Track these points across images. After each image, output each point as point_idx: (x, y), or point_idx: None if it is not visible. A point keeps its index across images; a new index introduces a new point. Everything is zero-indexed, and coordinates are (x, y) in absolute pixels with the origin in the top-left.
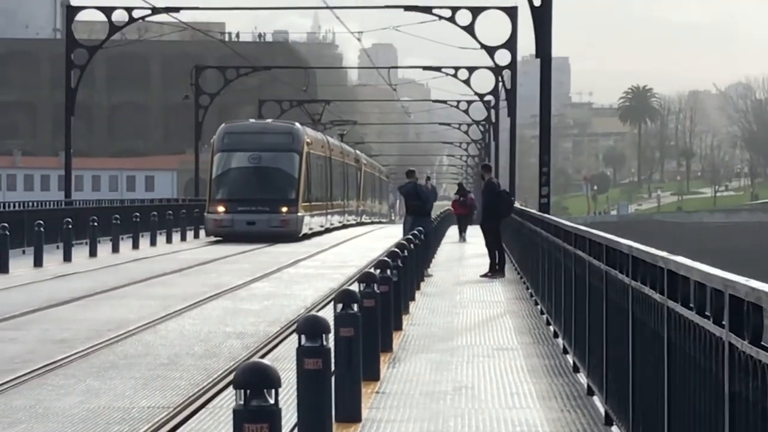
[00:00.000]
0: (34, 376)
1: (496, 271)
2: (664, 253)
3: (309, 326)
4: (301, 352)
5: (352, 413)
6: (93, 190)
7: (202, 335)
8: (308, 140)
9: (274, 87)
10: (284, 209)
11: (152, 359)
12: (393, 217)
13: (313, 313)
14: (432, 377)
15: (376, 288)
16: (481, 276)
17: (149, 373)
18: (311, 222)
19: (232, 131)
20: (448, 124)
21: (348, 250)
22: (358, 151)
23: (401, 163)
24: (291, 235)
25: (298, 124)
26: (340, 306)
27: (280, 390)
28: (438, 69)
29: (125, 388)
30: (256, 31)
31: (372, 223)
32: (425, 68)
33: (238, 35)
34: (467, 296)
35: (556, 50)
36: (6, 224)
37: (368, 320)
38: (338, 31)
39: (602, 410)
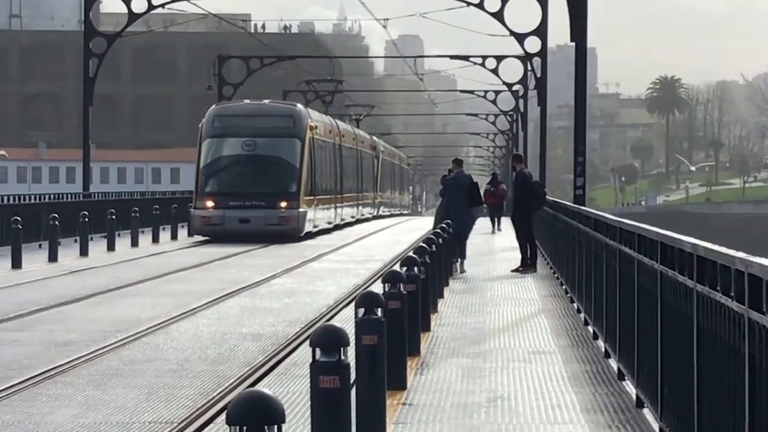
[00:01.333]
0: (29, 385)
1: (527, 265)
2: (741, 254)
3: (324, 338)
4: (316, 369)
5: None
6: (119, 182)
7: (216, 337)
8: (312, 124)
9: (299, 77)
10: (283, 204)
11: (160, 365)
12: (420, 209)
13: (331, 322)
14: (464, 386)
15: (402, 288)
16: (512, 271)
17: (155, 381)
18: (316, 218)
19: (222, 113)
20: (475, 115)
21: (374, 243)
22: (375, 138)
23: (428, 155)
24: (291, 233)
25: (300, 106)
26: (362, 311)
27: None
28: (465, 58)
29: (127, 400)
30: (282, 23)
31: (392, 215)
32: (452, 57)
33: (264, 26)
34: (498, 293)
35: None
36: (19, 218)
37: (394, 324)
38: (363, 19)
39: (656, 427)
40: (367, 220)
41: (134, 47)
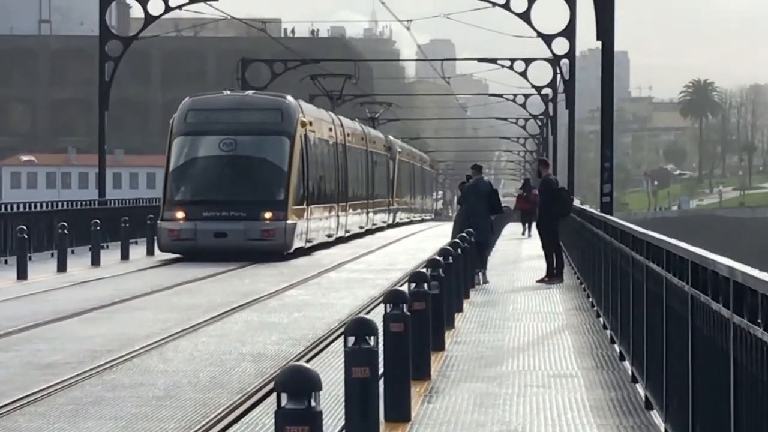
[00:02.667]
0: None
1: (553, 275)
2: None
3: (292, 383)
4: (281, 418)
5: None
6: (148, 187)
7: (213, 357)
8: (305, 119)
9: (326, 82)
10: (267, 215)
11: (145, 391)
12: (451, 214)
13: (301, 363)
14: (475, 416)
15: (405, 309)
16: (538, 281)
17: (135, 412)
18: (310, 230)
19: (197, 107)
20: (505, 119)
21: (397, 250)
22: (391, 137)
23: (458, 159)
24: (277, 250)
25: (290, 98)
26: (352, 340)
27: None
28: (494, 61)
29: None
30: (312, 28)
31: (411, 222)
32: (480, 60)
33: (293, 31)
34: (521, 306)
35: (615, 44)
36: (25, 226)
37: (396, 349)
38: (388, 19)
39: None
40: (380, 229)
41: (164, 52)
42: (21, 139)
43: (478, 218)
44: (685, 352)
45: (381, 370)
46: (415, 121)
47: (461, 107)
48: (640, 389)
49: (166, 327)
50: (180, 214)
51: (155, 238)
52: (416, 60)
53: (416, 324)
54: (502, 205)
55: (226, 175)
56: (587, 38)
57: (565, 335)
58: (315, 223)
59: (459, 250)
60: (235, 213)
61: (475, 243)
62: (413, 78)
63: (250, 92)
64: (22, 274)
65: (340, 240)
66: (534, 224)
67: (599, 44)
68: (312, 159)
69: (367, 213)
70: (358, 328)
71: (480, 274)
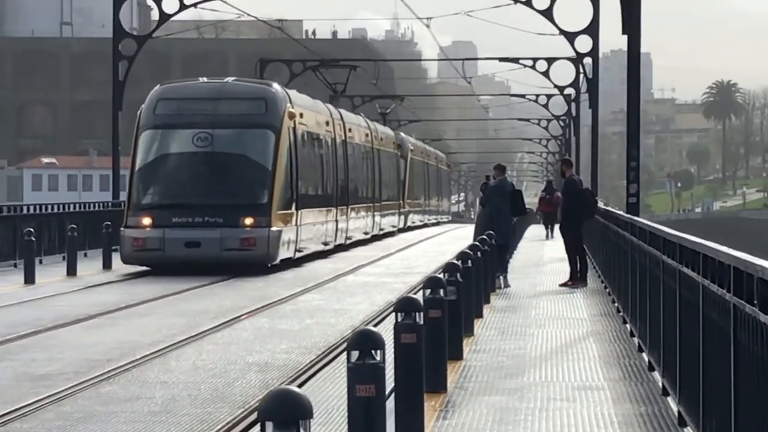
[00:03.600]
0: None
1: (577, 279)
2: None
3: (280, 411)
4: None
5: None
6: None
7: (218, 368)
8: (294, 110)
9: (348, 83)
10: (248, 221)
11: (142, 405)
12: (472, 216)
13: (289, 387)
14: None
15: (418, 318)
16: (561, 285)
17: (126, 429)
18: (300, 238)
19: (168, 96)
20: (527, 120)
21: (416, 253)
22: (402, 134)
23: (480, 161)
24: (259, 261)
25: (277, 85)
26: (356, 354)
27: None
28: (515, 60)
29: None
30: (334, 31)
31: (425, 225)
32: (502, 59)
33: (314, 32)
34: (544, 311)
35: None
36: (32, 229)
37: (407, 363)
38: (408, 17)
39: None
40: (389, 234)
41: (185, 54)
42: (42, 141)
43: (501, 220)
44: (725, 365)
45: (392, 384)
46: (436, 123)
47: (483, 108)
48: (672, 403)
49: (171, 334)
50: (146, 221)
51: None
52: (437, 60)
53: (431, 333)
54: (526, 206)
55: (200, 175)
56: (610, 38)
57: (590, 343)
58: (307, 230)
59: (479, 253)
60: (210, 219)
61: (496, 245)
62: (435, 79)
63: (230, 79)
64: (29, 278)
65: (340, 248)
66: (557, 226)
67: (622, 46)
68: (303, 156)
69: (373, 217)
70: (362, 341)
71: (501, 277)
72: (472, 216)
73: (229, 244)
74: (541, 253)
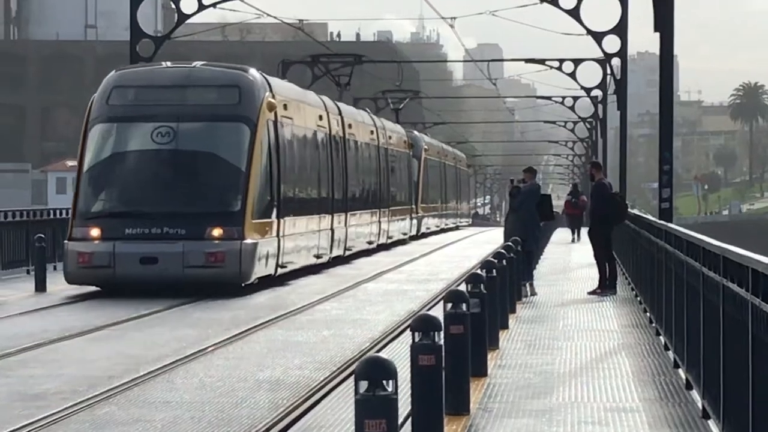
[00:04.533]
0: None
1: (606, 286)
2: None
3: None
4: None
5: None
6: None
7: (225, 386)
8: (274, 100)
9: (373, 85)
10: (216, 232)
11: (139, 429)
12: (498, 219)
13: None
14: None
15: (437, 338)
16: (589, 293)
17: None
18: (284, 251)
19: (124, 83)
20: (553, 122)
21: (439, 258)
22: (416, 132)
23: (506, 163)
24: (229, 280)
25: (254, 71)
26: (364, 385)
27: None
28: (541, 62)
29: None
30: (359, 32)
31: (442, 231)
32: (527, 61)
33: (339, 35)
34: (572, 322)
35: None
36: (42, 235)
37: (425, 386)
38: (432, 17)
39: None
40: (400, 242)
41: (210, 56)
42: (67, 144)
43: (534, 225)
44: None
45: (407, 409)
46: (462, 125)
47: (509, 110)
48: (714, 428)
49: (180, 347)
50: (94, 232)
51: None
52: (462, 61)
53: (452, 351)
54: (553, 210)
55: (160, 178)
56: (636, 40)
57: (621, 358)
58: (292, 242)
59: (504, 261)
60: (170, 230)
61: (523, 252)
62: (461, 80)
63: (198, 63)
64: (40, 286)
65: (338, 261)
66: (583, 230)
67: (648, 48)
68: (288, 154)
69: (379, 224)
70: (371, 371)
71: (527, 285)
72: (498, 219)
73: (192, 260)
74: (568, 259)
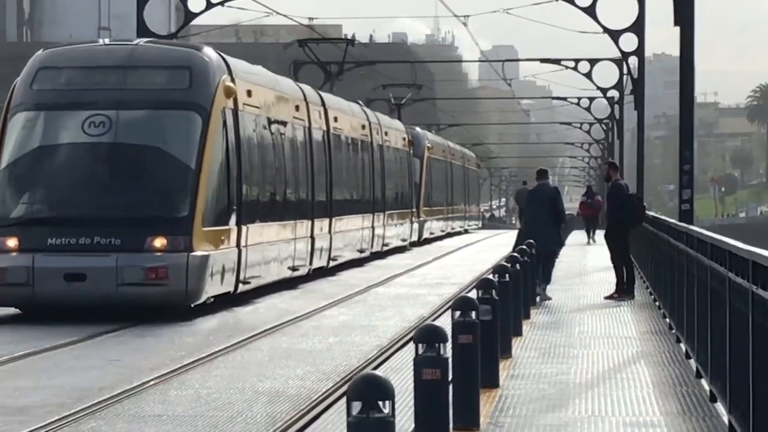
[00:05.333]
0: None
1: (623, 291)
2: None
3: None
4: None
5: None
6: None
7: (222, 397)
8: (232, 84)
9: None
10: (157, 242)
11: None
12: (513, 222)
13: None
14: None
15: (443, 350)
16: (606, 298)
17: None
18: (245, 264)
19: (52, 63)
20: (569, 124)
21: (453, 262)
22: (418, 128)
23: (522, 165)
24: (173, 299)
25: (209, 50)
26: (357, 406)
27: None
28: (557, 62)
29: None
30: (374, 35)
31: (448, 235)
32: (543, 61)
33: (353, 36)
34: (589, 329)
35: (678, 50)
36: None
37: (431, 400)
38: (446, 16)
39: None
40: (400, 250)
41: None
42: None
43: (536, 228)
44: None
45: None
46: (477, 127)
47: (524, 112)
48: None
49: (179, 356)
50: (10, 243)
51: None
52: (476, 61)
53: (461, 362)
54: (567, 213)
55: (91, 177)
56: (652, 41)
57: (641, 367)
58: (257, 253)
59: (517, 265)
60: (101, 240)
61: (537, 255)
62: (475, 80)
63: (142, 41)
64: None
65: (321, 272)
66: (598, 231)
67: (664, 49)
68: (250, 150)
69: (373, 229)
70: (365, 390)
71: (541, 289)
72: (514, 222)
73: (128, 276)
74: (584, 262)
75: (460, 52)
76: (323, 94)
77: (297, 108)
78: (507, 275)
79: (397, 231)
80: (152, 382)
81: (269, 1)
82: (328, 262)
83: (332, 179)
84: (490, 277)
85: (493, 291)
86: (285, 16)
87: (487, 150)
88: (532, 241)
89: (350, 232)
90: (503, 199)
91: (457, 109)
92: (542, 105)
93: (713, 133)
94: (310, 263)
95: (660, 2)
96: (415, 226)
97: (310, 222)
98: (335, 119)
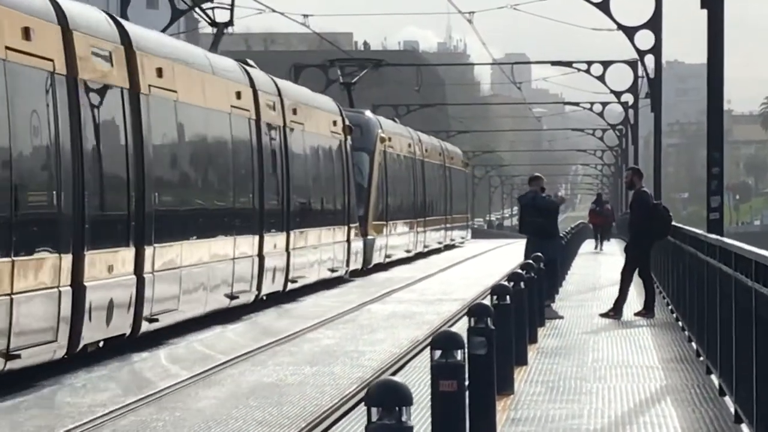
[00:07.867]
0: None
1: (619, 310)
2: None
3: None
4: None
5: None
6: None
7: None
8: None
9: (395, 92)
10: None
11: None
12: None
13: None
14: None
15: (404, 417)
16: (636, 314)
17: None
18: (153, 299)
19: None
20: (581, 130)
21: (454, 276)
22: (367, 112)
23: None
24: None
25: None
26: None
27: None
28: (569, 64)
29: None
30: (385, 42)
31: (419, 255)
32: (554, 63)
33: (365, 44)
34: (604, 355)
35: (693, 57)
36: None
37: None
38: (455, 14)
39: None
40: (326, 284)
41: None
42: None
43: (528, 240)
44: None
45: None
46: (488, 135)
47: (536, 119)
48: None
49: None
50: None
51: None
52: (488, 63)
53: (444, 413)
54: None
55: None
56: (666, 51)
57: (667, 406)
58: (166, 283)
59: (522, 283)
60: None
61: (545, 269)
62: (487, 85)
63: None
64: None
65: (278, 298)
66: (613, 241)
67: (677, 56)
68: (154, 147)
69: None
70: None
71: (547, 307)
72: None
73: None
74: (597, 274)
75: (472, 60)
76: (273, 76)
77: (238, 95)
78: (507, 297)
79: (316, 257)
80: None
81: (279, 5)
82: (284, 287)
83: (290, 186)
84: (485, 302)
85: (488, 319)
86: (281, 13)
87: (498, 158)
88: (540, 254)
89: (311, 250)
90: (515, 208)
91: (468, 117)
92: (554, 111)
93: (727, 140)
94: (258, 289)
95: (671, 8)
96: (356, 246)
97: (257, 237)
98: (294, 111)
